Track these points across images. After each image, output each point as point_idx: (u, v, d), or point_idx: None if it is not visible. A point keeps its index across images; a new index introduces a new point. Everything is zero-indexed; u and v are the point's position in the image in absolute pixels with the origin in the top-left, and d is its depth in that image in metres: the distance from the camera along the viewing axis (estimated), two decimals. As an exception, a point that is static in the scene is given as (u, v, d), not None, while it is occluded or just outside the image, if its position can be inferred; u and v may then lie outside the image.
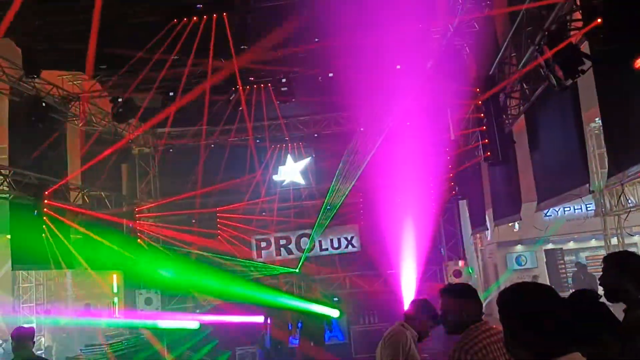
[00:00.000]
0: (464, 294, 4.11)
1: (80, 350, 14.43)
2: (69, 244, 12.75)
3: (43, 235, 12.12)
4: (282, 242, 17.65)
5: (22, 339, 5.89)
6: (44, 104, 12.12)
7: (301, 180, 17.26)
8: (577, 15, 7.55)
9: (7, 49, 11.48)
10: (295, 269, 17.14)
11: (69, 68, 12.69)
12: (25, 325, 6.61)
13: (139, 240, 15.93)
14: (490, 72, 10.84)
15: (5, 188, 11.68)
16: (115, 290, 18.27)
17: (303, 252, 17.35)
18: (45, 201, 12.19)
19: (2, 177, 11.66)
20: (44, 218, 12.18)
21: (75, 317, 14.75)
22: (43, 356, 6.29)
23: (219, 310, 15.14)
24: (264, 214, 17.12)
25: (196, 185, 15.64)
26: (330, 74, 13.42)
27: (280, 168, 17.24)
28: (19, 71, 11.62)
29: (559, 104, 9.23)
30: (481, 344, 3.75)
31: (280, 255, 17.57)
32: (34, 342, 6.10)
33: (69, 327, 14.82)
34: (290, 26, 11.49)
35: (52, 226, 12.27)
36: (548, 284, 17.01)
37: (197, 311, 15.78)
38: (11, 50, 11.52)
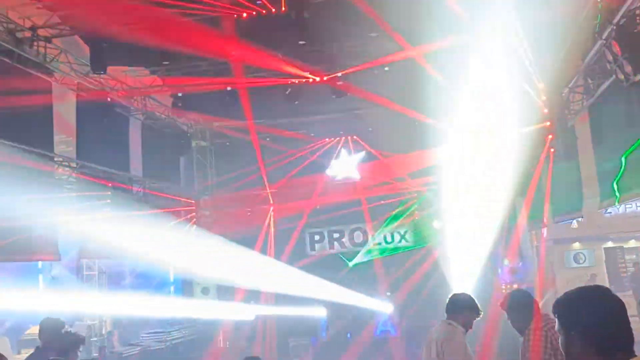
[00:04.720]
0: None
1: (142, 336, 14.94)
2: (132, 234, 13.16)
3: (108, 225, 12.60)
4: (336, 235, 17.78)
5: (48, 329, 6.04)
6: (109, 99, 12.55)
7: (355, 175, 17.28)
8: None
9: (74, 46, 11.93)
10: (349, 262, 17.27)
11: (133, 64, 13.04)
12: (53, 317, 6.68)
13: (195, 231, 16.30)
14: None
15: (73, 180, 12.19)
16: (171, 279, 18.75)
17: (356, 246, 17.43)
18: (110, 193, 12.67)
19: (70, 169, 12.18)
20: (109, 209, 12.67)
21: (134, 305, 15.20)
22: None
23: (274, 301, 15.37)
24: (317, 207, 17.24)
25: (252, 178, 15.95)
26: (386, 68, 13.39)
27: (334, 162, 17.32)
28: (85, 67, 12.03)
29: (626, 100, 8.99)
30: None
31: (333, 248, 17.72)
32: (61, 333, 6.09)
33: (129, 313, 15.31)
34: (347, 20, 11.54)
35: (116, 216, 12.75)
36: (607, 283, 16.62)
37: (252, 302, 16.04)
38: (78, 48, 11.96)
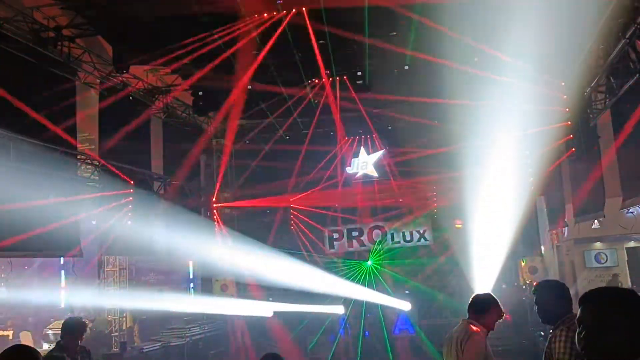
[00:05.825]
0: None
1: (162, 332, 15.11)
2: (153, 231, 13.32)
3: (129, 222, 12.77)
4: (355, 233, 17.80)
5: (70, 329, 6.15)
6: (130, 98, 12.68)
7: (374, 173, 17.27)
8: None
9: (97, 46, 12.08)
10: (367, 260, 17.28)
11: (155, 63, 13.15)
12: (74, 316, 6.83)
13: (215, 229, 16.42)
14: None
15: (95, 177, 12.35)
16: (191, 276, 18.92)
17: (374, 244, 17.44)
18: (132, 190, 12.82)
19: (92, 167, 12.34)
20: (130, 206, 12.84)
21: (153, 301, 15.40)
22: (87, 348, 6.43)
23: (293, 298, 15.43)
24: (336, 205, 17.26)
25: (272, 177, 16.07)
26: (406, 67, 13.37)
27: (354, 160, 17.32)
28: (108, 66, 12.17)
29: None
30: None
31: (352, 246, 17.74)
32: (81, 335, 6.20)
33: (148, 310, 15.52)
34: (366, 20, 11.53)
35: (137, 214, 12.91)
36: (629, 283, 16.40)
37: (271, 299, 16.13)
38: (101, 47, 12.11)
